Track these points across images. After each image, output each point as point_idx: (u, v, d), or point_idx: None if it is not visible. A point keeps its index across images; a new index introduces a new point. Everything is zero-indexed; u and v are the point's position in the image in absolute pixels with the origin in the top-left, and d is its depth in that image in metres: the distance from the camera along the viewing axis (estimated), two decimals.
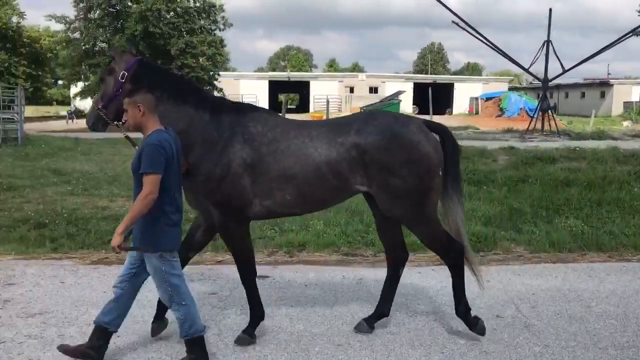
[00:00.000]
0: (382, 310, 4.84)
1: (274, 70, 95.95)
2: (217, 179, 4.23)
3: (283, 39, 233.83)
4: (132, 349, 4.43)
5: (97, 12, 36.28)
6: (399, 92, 39.43)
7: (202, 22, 37.98)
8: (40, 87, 47.47)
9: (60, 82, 53.93)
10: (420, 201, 4.36)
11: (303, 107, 59.23)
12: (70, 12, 37.00)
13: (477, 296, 5.38)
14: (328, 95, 49.04)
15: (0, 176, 11.29)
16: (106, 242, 7.58)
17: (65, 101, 69.02)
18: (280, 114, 5.71)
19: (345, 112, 50.48)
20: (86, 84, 37.27)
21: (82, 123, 41.50)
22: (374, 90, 57.93)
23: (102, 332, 4.05)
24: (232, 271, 6.49)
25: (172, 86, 4.41)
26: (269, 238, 7.72)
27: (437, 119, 29.35)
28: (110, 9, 36.12)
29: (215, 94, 43.43)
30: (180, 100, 4.36)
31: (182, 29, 36.52)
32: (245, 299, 5.39)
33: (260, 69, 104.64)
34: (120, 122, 4.31)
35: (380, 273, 6.45)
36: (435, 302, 5.55)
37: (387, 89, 54.38)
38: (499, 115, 46.96)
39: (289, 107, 73.13)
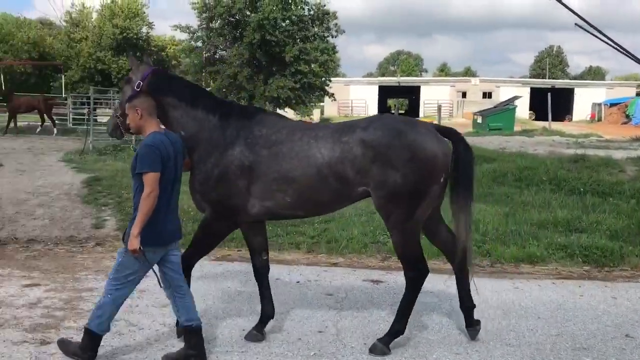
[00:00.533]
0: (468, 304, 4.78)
1: (383, 75, 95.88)
2: (214, 179, 4.39)
3: (393, 43, 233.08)
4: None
5: (218, 21, 38.14)
6: (515, 98, 37.96)
7: (315, 29, 38.78)
8: None
9: None
10: (412, 204, 4.26)
11: (413, 112, 58.68)
12: (194, 23, 39.21)
13: (604, 313, 5.13)
14: (439, 101, 48.37)
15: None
16: (228, 240, 8.06)
17: None
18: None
19: (457, 118, 49.48)
20: (207, 90, 39.34)
21: None
22: (487, 95, 56.24)
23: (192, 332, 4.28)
24: (347, 272, 6.68)
25: (184, 93, 4.63)
26: (381, 243, 7.79)
27: (555, 125, 27.99)
28: (230, 19, 37.81)
29: (327, 99, 44.21)
30: (192, 106, 4.57)
31: (297, 37, 37.47)
32: (361, 302, 5.52)
33: (370, 74, 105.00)
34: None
35: (497, 284, 6.35)
36: (556, 317, 5.34)
37: (502, 94, 52.53)
38: (625, 123, 43.83)
39: (398, 112, 72.80)
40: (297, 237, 8.10)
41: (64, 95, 36.32)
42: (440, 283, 6.31)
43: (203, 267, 6.82)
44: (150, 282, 6.02)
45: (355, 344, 4.64)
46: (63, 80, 44.09)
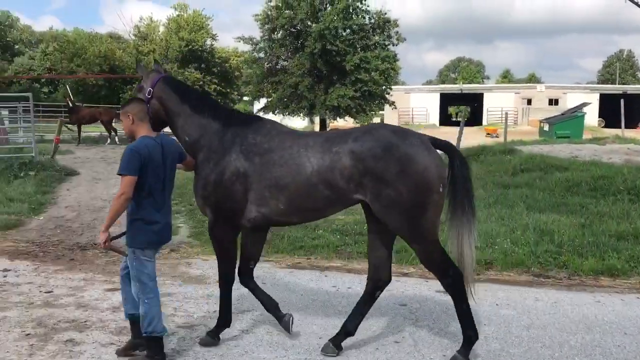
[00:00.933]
0: (350, 329, 4.63)
1: (443, 82, 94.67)
2: (212, 184, 4.50)
3: (452, 50, 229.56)
4: None
5: (280, 32, 38.72)
6: (584, 104, 36.62)
7: (376, 37, 38.75)
8: (228, 102, 52.03)
9: (245, 98, 58.38)
10: (415, 215, 4.18)
11: (475, 120, 57.56)
12: (257, 34, 39.97)
13: None
14: (503, 108, 47.26)
15: None
16: (297, 247, 8.16)
17: None
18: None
19: (522, 125, 48.21)
20: (268, 100, 39.88)
21: None
22: (553, 102, 54.51)
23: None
24: (419, 283, 6.61)
25: (190, 100, 4.78)
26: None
27: (628, 133, 26.81)
28: (292, 29, 38.32)
29: (387, 108, 44.02)
30: (197, 112, 4.73)
31: (357, 45, 37.55)
32: (437, 313, 5.45)
33: (429, 82, 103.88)
34: None
35: (576, 297, 6.12)
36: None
37: (569, 101, 50.81)
38: None
39: (458, 120, 71.60)
40: (365, 246, 8.08)
41: None
42: (517, 295, 6.16)
43: (274, 274, 6.94)
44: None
45: (434, 356, 4.57)
46: (131, 93, 45.84)
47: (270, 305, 4.93)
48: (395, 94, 43.13)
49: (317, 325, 5.18)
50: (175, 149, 4.53)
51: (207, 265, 7.27)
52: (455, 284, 4.30)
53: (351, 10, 38.60)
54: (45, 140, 20.64)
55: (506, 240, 7.88)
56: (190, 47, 46.97)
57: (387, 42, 39.92)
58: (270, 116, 48.48)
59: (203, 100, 4.92)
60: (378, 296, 4.68)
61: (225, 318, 4.80)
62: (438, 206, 4.26)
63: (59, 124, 15.00)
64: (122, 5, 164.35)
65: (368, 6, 38.78)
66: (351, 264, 7.49)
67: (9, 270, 6.94)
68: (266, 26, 38.39)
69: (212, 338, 4.72)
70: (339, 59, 36.83)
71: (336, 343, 4.55)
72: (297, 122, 51.35)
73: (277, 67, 39.67)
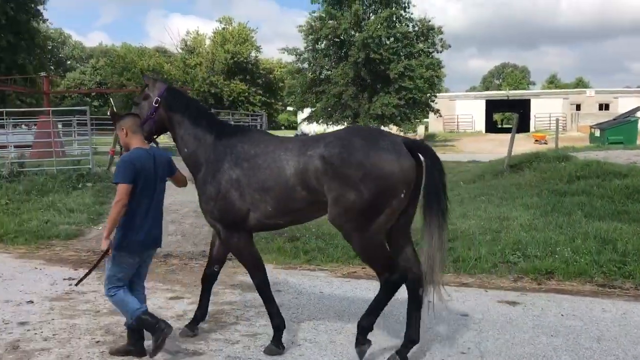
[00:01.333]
0: (413, 336, 4.55)
1: (487, 89, 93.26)
2: (213, 197, 4.69)
3: (496, 56, 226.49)
4: None
5: (324, 43, 39.00)
6: (637, 109, 35.49)
7: (420, 45, 38.56)
8: (272, 113, 52.70)
9: (289, 108, 58.95)
10: (368, 217, 4.25)
11: (522, 126, 56.38)
12: (300, 45, 40.35)
13: None
14: (551, 114, 46.22)
15: None
16: (352, 257, 8.13)
17: (291, 126, 75.21)
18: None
19: (572, 132, 47.01)
20: (312, 109, 40.12)
21: None
22: (604, 107, 52.99)
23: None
24: (479, 293, 6.49)
25: (190, 111, 5.01)
26: (511, 263, 7.50)
27: None
28: (336, 39, 38.53)
29: (432, 115, 43.65)
30: (194, 124, 4.94)
31: (401, 53, 37.45)
32: (500, 323, 5.34)
33: (473, 89, 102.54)
34: (153, 142, 5.08)
35: None
36: None
37: (621, 106, 49.29)
38: None
39: (504, 126, 70.28)
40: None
41: None
42: (583, 305, 5.98)
43: (331, 283, 6.94)
44: (284, 298, 6.24)
45: None
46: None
47: (200, 314, 5.21)
48: (440, 101, 42.82)
49: (378, 335, 5.14)
50: (166, 161, 4.80)
51: None
52: (389, 287, 4.40)
53: (395, 19, 38.58)
54: (99, 152, 21.28)
55: (566, 249, 7.66)
56: (235, 59, 47.80)
57: (431, 50, 39.67)
58: (313, 126, 48.86)
59: (201, 112, 5.11)
60: (422, 294, 4.55)
61: (277, 321, 4.82)
62: (394, 210, 4.32)
63: (115, 136, 15.36)
64: (167, 20, 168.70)
65: (412, 14, 38.61)
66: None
67: (74, 278, 7.13)
68: (310, 37, 38.71)
69: (277, 346, 4.75)
70: (382, 68, 36.82)
71: (403, 355, 4.46)
72: None
73: (320, 76, 39.95)
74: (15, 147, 22.27)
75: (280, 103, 54.83)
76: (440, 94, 48.03)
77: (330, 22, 37.78)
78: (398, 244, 4.60)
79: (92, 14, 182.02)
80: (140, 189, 4.48)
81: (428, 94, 39.05)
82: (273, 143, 4.76)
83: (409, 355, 4.51)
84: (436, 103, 40.75)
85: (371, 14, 40.03)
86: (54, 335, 5.18)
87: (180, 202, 12.17)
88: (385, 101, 35.80)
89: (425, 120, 50.58)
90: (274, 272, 7.43)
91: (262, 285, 4.83)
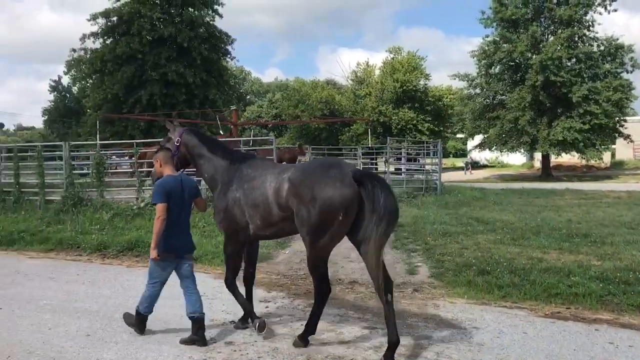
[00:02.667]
0: (393, 339, 5.09)
1: None
2: (223, 210, 5.84)
3: None
4: None
5: (498, 67, 37.61)
6: None
7: (607, 65, 35.46)
8: (441, 140, 51.54)
9: (459, 135, 57.60)
10: (315, 233, 5.15)
11: None
12: (472, 70, 39.34)
13: None
14: None
15: (434, 222, 12.32)
16: (553, 295, 7.41)
17: (458, 153, 73.39)
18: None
19: None
20: (485, 136, 38.68)
21: (477, 174, 43.36)
22: None
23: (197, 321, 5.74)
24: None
25: (207, 146, 6.25)
26: None
27: None
28: (510, 63, 36.97)
29: (620, 141, 39.66)
30: (211, 155, 6.17)
31: (585, 75, 34.75)
32: None
33: None
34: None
35: None
36: None
37: None
38: None
39: None
40: (636, 297, 7.05)
41: (353, 146, 39.08)
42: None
43: (534, 323, 6.35)
44: (485, 337, 5.80)
45: None
46: (348, 134, 48.01)
47: (246, 305, 6.17)
48: (631, 125, 38.83)
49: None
50: (192, 185, 6.02)
51: (457, 309, 6.94)
52: (320, 297, 5.46)
53: (577, 39, 36.03)
54: None
55: None
56: (404, 87, 47.95)
57: (619, 70, 36.31)
58: (485, 153, 47.08)
59: (216, 145, 6.34)
60: (391, 299, 5.25)
61: (248, 309, 6.08)
62: (337, 231, 5.16)
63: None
64: (335, 55, 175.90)
65: (596, 33, 35.79)
66: (623, 318, 6.55)
67: (269, 301, 7.37)
68: (483, 61, 37.58)
69: (242, 324, 6.14)
70: (564, 91, 34.51)
71: (389, 357, 5.04)
72: (516, 158, 48.94)
73: (494, 102, 38.48)
74: None
75: (449, 130, 53.77)
76: (631, 118, 43.61)
77: (505, 45, 36.34)
78: None
79: (268, 52, 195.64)
80: (171, 207, 5.66)
81: (616, 118, 35.65)
82: (267, 168, 5.85)
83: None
84: (626, 128, 37.01)
85: (549, 35, 37.86)
86: (259, 357, 5.30)
87: None
88: (567, 126, 33.34)
89: (613, 146, 46.22)
90: (466, 307, 7.03)
91: (231, 284, 6.15)
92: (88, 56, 35.94)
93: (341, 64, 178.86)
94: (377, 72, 54.17)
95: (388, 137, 20.08)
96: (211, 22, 36.05)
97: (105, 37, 34.74)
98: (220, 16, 36.57)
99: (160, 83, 32.56)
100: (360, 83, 54.37)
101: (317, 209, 5.04)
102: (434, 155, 21.30)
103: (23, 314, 6.84)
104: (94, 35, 34.55)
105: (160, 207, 5.63)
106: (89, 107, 36.62)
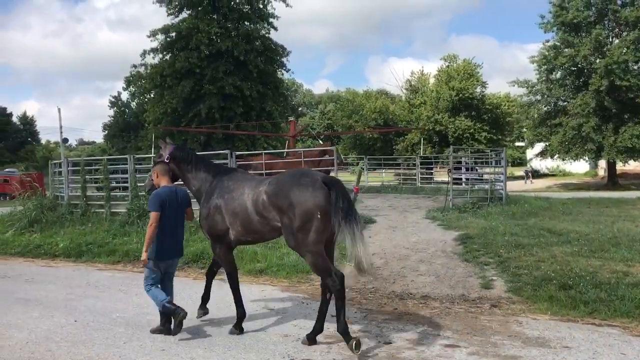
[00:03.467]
0: (318, 328, 6.09)
1: None
2: (205, 217, 6.47)
3: None
4: None
5: (559, 72, 36.42)
6: None
7: None
8: (499, 149, 50.14)
9: (518, 143, 56.07)
10: (301, 236, 5.70)
11: None
12: (532, 76, 38.23)
13: None
14: None
15: (504, 234, 11.82)
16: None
17: (516, 162, 71.41)
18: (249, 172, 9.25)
19: None
20: (546, 144, 37.43)
21: (539, 183, 41.94)
22: None
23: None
24: None
25: (194, 161, 6.89)
26: None
27: None
28: (573, 68, 35.73)
29: None
30: (197, 169, 6.84)
31: None
32: None
33: None
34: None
35: None
36: None
37: None
38: None
39: None
40: None
41: (405, 157, 38.63)
42: None
43: (630, 343, 5.88)
44: (579, 357, 5.39)
45: None
46: (402, 144, 47.47)
47: (206, 296, 7.07)
48: None
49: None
50: (185, 196, 6.78)
51: (542, 326, 6.54)
52: (335, 284, 5.74)
53: None
54: None
55: None
56: (460, 95, 47.12)
57: None
58: (548, 161, 45.58)
59: (200, 161, 7.00)
60: (330, 298, 6.03)
61: (240, 311, 6.57)
62: (318, 228, 5.70)
63: (358, 174, 15.82)
64: (384, 64, 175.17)
65: None
66: None
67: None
68: (543, 67, 36.47)
69: (237, 329, 6.44)
70: (630, 96, 33.08)
71: (310, 337, 6.01)
72: (579, 166, 47.20)
73: (556, 108, 37.24)
74: None
75: (508, 139, 52.42)
76: None
77: (567, 50, 35.14)
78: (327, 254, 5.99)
79: (318, 64, 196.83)
80: (166, 215, 6.37)
81: None
82: (245, 180, 6.50)
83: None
84: None
85: (614, 37, 36.41)
86: None
87: (426, 240, 11.86)
88: (636, 132, 31.85)
89: None
90: (551, 324, 6.62)
91: (232, 280, 6.65)
92: (148, 71, 36.86)
93: (395, 73, 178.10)
94: (432, 80, 53.48)
95: (451, 147, 19.52)
96: (267, 35, 36.39)
97: (165, 53, 35.54)
98: (276, 29, 36.87)
99: (218, 96, 32.99)
100: (415, 92, 53.79)
101: (296, 213, 5.71)
102: (496, 164, 20.62)
103: (97, 327, 6.85)
104: (154, 50, 35.40)
105: (154, 215, 6.31)
106: (149, 122, 37.42)
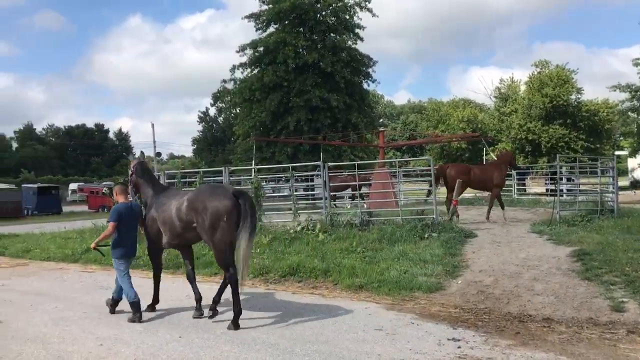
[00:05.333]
0: (216, 300, 8.06)
1: None
2: (148, 224, 8.38)
3: None
4: None
5: None
6: None
7: None
8: (600, 157, 47.06)
9: (619, 152, 52.56)
10: (211, 234, 7.46)
11: None
12: (635, 80, 35.70)
13: None
14: None
15: (626, 250, 10.73)
16: None
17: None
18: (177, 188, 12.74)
19: None
20: None
21: None
22: None
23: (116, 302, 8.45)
24: None
25: (145, 177, 8.80)
26: None
27: None
28: None
29: None
30: (147, 184, 8.72)
31: None
32: None
33: None
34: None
35: None
36: None
37: None
38: None
39: None
40: None
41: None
42: None
43: None
44: None
45: None
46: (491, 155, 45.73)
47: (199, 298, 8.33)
48: None
49: None
50: (138, 210, 8.48)
51: None
52: (231, 277, 7.36)
53: None
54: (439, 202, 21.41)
55: None
56: (554, 102, 44.75)
57: None
58: None
59: (151, 178, 8.92)
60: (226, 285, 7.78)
61: (156, 297, 8.60)
62: (224, 228, 7.36)
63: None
64: (465, 74, 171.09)
65: None
66: None
67: (459, 340, 6.55)
68: None
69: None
70: None
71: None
72: None
73: None
74: (350, 198, 24.09)
75: (607, 147, 49.20)
76: None
77: None
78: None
79: (397, 75, 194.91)
80: (122, 225, 8.05)
81: None
82: (175, 196, 8.20)
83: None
84: None
85: None
86: None
87: (537, 256, 10.97)
88: None
89: None
90: None
91: (156, 278, 8.60)
92: (237, 86, 37.65)
93: (483, 81, 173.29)
94: (523, 87, 51.26)
95: (557, 156, 18.29)
96: (353, 46, 36.21)
97: (253, 67, 36.17)
98: (362, 40, 36.66)
99: (305, 109, 33.10)
100: (505, 100, 51.76)
101: (207, 215, 7.39)
102: (604, 173, 19.13)
103: (203, 344, 6.64)
104: (243, 65, 36.14)
105: (111, 225, 8.04)
106: (239, 135, 38.11)
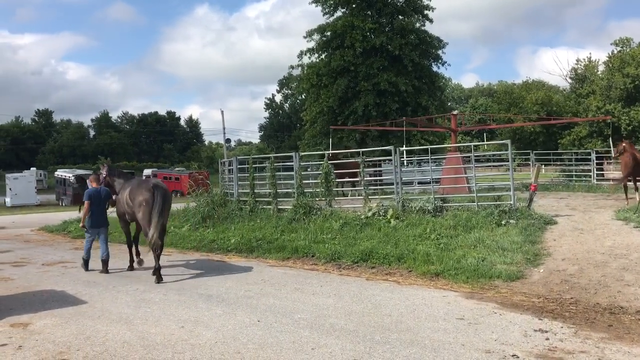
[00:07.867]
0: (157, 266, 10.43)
1: None
2: (119, 204, 11.57)
3: None
4: None
5: None
6: None
7: None
8: None
9: None
10: (138, 213, 10.68)
11: None
12: None
13: None
14: None
15: None
16: None
17: None
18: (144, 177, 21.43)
19: None
20: None
21: None
22: None
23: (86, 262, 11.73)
24: None
25: (119, 174, 12.30)
26: None
27: None
28: None
29: None
30: (119, 178, 12.15)
31: None
32: None
33: None
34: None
35: None
36: None
37: None
38: None
39: None
40: None
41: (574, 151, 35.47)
42: None
43: None
44: None
45: None
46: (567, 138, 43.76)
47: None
48: None
49: None
50: (107, 193, 11.68)
51: None
52: (150, 243, 10.28)
53: None
54: (517, 187, 20.70)
55: None
56: (636, 83, 42.25)
57: None
58: None
59: (120, 173, 12.35)
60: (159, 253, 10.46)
61: (131, 259, 11.85)
62: (144, 212, 10.52)
63: (536, 171, 14.48)
64: (534, 56, 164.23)
65: None
66: None
67: (547, 331, 6.25)
68: None
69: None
70: None
71: (158, 274, 10.29)
72: None
73: None
74: (419, 183, 23.64)
75: None
76: None
77: None
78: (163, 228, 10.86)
79: (464, 58, 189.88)
80: (93, 204, 11.29)
81: None
82: (130, 185, 11.31)
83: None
84: None
85: None
86: None
87: (625, 244, 10.37)
88: None
89: None
90: None
91: (128, 242, 12.00)
92: (305, 72, 37.62)
93: (559, 62, 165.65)
94: (601, 67, 48.64)
95: None
96: (422, 28, 35.37)
97: (320, 52, 35.98)
98: (431, 21, 35.74)
99: (373, 93, 32.64)
100: (582, 81, 49.29)
101: (136, 203, 10.66)
102: None
103: (282, 329, 6.63)
104: (310, 51, 36.02)
105: (86, 203, 11.30)
106: (307, 121, 38.11)
